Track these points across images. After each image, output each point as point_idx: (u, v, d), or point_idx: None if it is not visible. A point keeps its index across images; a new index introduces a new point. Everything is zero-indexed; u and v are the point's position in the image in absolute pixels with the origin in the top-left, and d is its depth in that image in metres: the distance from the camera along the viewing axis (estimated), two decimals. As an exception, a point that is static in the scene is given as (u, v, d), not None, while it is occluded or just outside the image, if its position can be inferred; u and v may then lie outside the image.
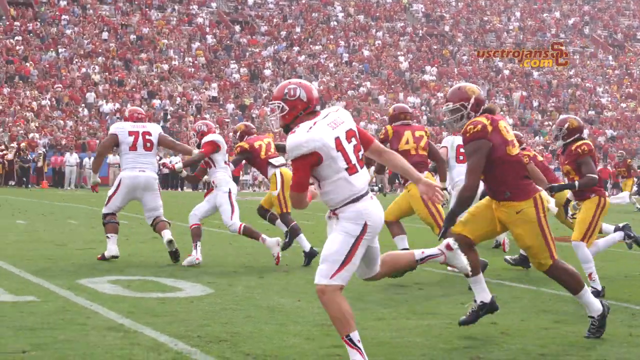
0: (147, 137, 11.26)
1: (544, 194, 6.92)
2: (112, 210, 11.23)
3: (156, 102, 52.85)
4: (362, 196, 5.35)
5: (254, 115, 54.79)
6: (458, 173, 11.52)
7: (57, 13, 60.06)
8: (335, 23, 67.43)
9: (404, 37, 67.37)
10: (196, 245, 10.78)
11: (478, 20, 71.67)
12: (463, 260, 6.02)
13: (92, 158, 41.63)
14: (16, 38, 55.82)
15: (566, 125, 8.89)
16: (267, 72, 59.68)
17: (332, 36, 65.19)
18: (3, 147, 40.16)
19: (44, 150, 42.60)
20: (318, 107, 5.54)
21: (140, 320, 6.75)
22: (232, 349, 5.85)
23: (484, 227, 6.59)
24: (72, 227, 16.30)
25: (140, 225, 15.33)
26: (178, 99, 53.81)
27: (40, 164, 40.94)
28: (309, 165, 5.26)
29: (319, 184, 5.40)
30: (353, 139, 5.40)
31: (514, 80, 63.89)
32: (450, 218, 6.55)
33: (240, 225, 10.95)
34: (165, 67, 56.84)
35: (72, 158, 41.63)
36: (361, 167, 5.42)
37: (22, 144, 41.23)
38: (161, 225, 11.12)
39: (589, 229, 8.77)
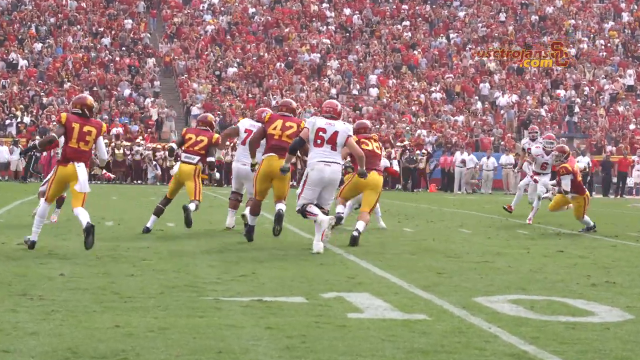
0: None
1: None
2: (236, 189, 16.24)
3: (560, 92, 52.60)
4: None
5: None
6: (313, 155, 13.11)
7: (448, -7, 61.51)
8: None
9: None
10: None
11: None
12: None
13: (489, 158, 42.17)
14: (404, 23, 57.85)
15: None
16: (697, 55, 57.43)
17: None
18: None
19: (431, 149, 43.74)
20: None
21: (546, 347, 6.73)
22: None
23: None
24: (464, 236, 16.58)
25: (495, 230, 15.31)
26: (587, 88, 53.15)
27: (422, 165, 41.61)
28: None
29: None
30: None
31: None
32: None
33: None
34: (572, 51, 56.37)
35: (462, 159, 42.04)
36: None
37: (407, 143, 42.56)
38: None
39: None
